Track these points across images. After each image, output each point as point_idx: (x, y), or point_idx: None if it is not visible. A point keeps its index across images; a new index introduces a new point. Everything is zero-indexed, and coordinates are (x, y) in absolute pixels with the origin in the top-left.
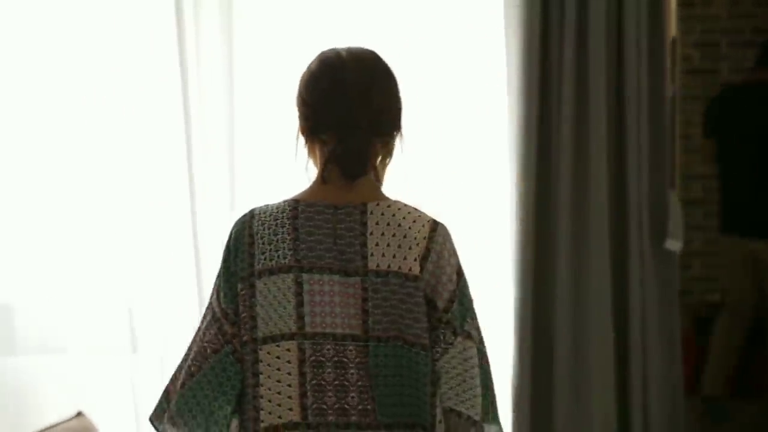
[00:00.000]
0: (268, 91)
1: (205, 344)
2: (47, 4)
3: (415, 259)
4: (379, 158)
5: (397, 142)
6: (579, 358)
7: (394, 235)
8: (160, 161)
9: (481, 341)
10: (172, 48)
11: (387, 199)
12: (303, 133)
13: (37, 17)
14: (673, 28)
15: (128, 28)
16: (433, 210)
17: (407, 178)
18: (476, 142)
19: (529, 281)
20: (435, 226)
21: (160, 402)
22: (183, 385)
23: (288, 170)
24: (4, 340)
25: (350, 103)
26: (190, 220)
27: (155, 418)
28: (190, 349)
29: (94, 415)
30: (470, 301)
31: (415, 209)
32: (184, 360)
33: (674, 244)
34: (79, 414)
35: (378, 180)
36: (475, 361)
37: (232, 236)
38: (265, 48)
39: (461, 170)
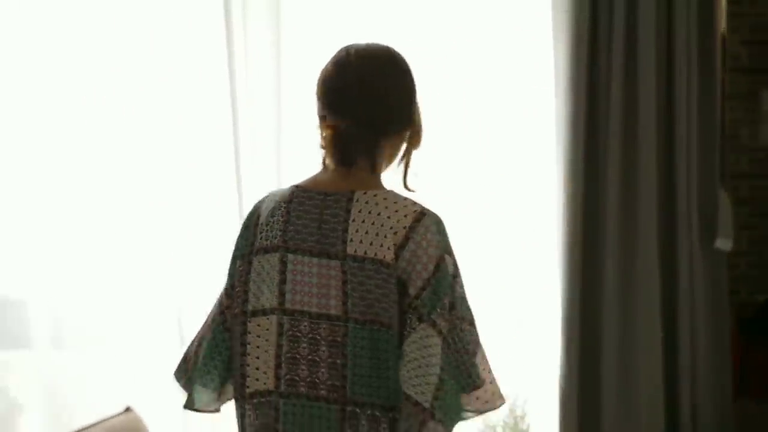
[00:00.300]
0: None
1: (213, 317)
2: (97, 5)
3: (389, 248)
4: (401, 150)
5: (416, 137)
6: (627, 359)
7: (373, 224)
8: (208, 163)
9: (450, 331)
10: (220, 49)
11: (379, 188)
12: (319, 127)
13: (88, 19)
14: (722, 24)
15: (177, 30)
16: (482, 210)
17: (455, 179)
18: (524, 144)
19: (576, 282)
20: (419, 217)
21: (180, 363)
22: (196, 353)
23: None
24: (52, 335)
25: (349, 97)
26: (238, 221)
27: (178, 377)
28: (205, 321)
29: (142, 411)
30: (446, 293)
31: (405, 200)
32: (201, 329)
33: (725, 243)
34: (128, 409)
35: (375, 170)
36: (435, 350)
37: (245, 217)
38: (313, 48)
39: (509, 172)
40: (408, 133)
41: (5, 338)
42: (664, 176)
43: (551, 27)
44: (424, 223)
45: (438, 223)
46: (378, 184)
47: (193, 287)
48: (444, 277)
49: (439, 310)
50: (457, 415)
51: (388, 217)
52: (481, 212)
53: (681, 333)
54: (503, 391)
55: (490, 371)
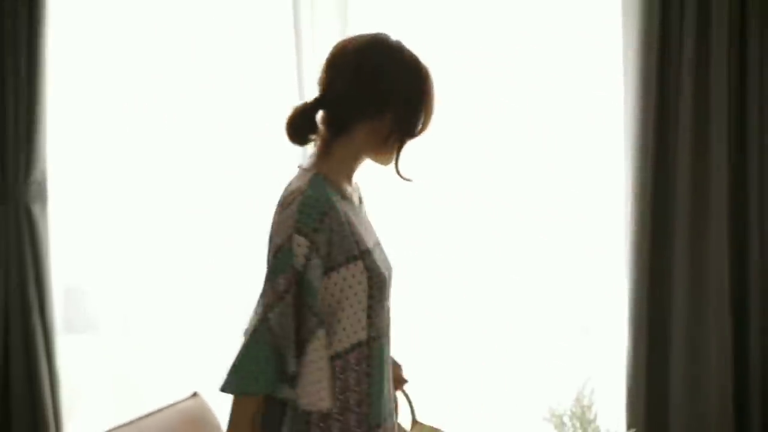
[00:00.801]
0: None
1: None
2: (176, 16)
3: (272, 225)
4: (387, 138)
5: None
6: (696, 358)
7: (279, 201)
8: (277, 158)
9: (271, 308)
10: (289, 54)
11: (307, 170)
12: None
13: (166, 27)
14: None
15: (247, 34)
16: (554, 211)
17: (526, 178)
18: (593, 148)
19: (644, 276)
20: (294, 199)
21: None
22: None
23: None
24: (119, 321)
25: (317, 80)
26: None
27: None
28: None
29: (209, 396)
30: (267, 279)
31: (302, 181)
32: None
33: None
34: (195, 394)
35: (329, 151)
36: (252, 322)
37: None
38: None
39: (579, 169)
40: (385, 120)
41: (74, 324)
42: (734, 176)
43: (621, 33)
44: (291, 205)
45: (303, 204)
46: (317, 165)
47: (258, 274)
48: (276, 262)
49: (266, 287)
50: (235, 385)
51: (283, 195)
52: (553, 213)
53: (751, 330)
54: (323, 395)
55: (318, 369)
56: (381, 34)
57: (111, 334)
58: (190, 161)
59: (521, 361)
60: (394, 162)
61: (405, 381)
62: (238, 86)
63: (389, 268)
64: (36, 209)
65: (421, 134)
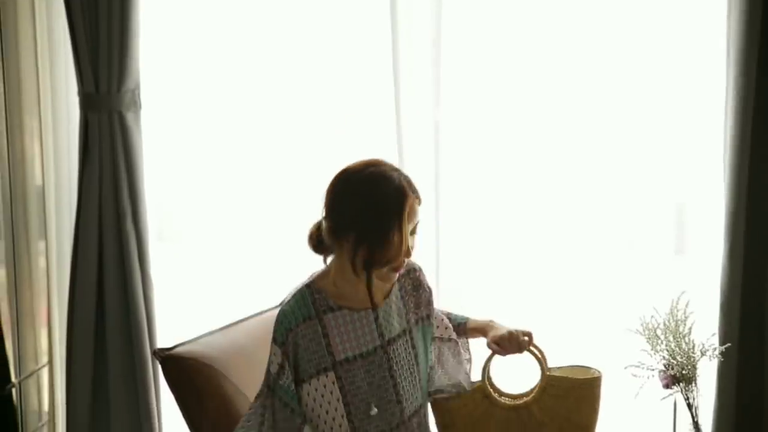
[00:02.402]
0: (474, 101)
1: None
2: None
3: None
4: (359, 260)
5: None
6: None
7: None
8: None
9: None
10: (386, 62)
11: (306, 280)
12: None
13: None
14: None
15: (346, 43)
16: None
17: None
18: (692, 147)
19: (743, 194)
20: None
21: None
22: None
23: (489, 181)
24: (206, 233)
25: None
26: None
27: None
28: None
29: None
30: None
31: (291, 295)
32: None
33: None
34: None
35: (328, 267)
36: None
37: None
38: (472, 57)
39: (677, 174)
40: (350, 243)
41: (160, 233)
42: None
43: (725, 33)
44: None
45: (278, 317)
46: (317, 276)
47: None
48: (269, 360)
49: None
50: None
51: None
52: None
53: None
54: None
55: None
56: (368, 162)
57: (198, 246)
58: (281, 85)
59: (616, 279)
60: (366, 284)
61: (530, 339)
62: (335, 88)
63: (389, 369)
64: (129, 117)
65: (392, 260)
